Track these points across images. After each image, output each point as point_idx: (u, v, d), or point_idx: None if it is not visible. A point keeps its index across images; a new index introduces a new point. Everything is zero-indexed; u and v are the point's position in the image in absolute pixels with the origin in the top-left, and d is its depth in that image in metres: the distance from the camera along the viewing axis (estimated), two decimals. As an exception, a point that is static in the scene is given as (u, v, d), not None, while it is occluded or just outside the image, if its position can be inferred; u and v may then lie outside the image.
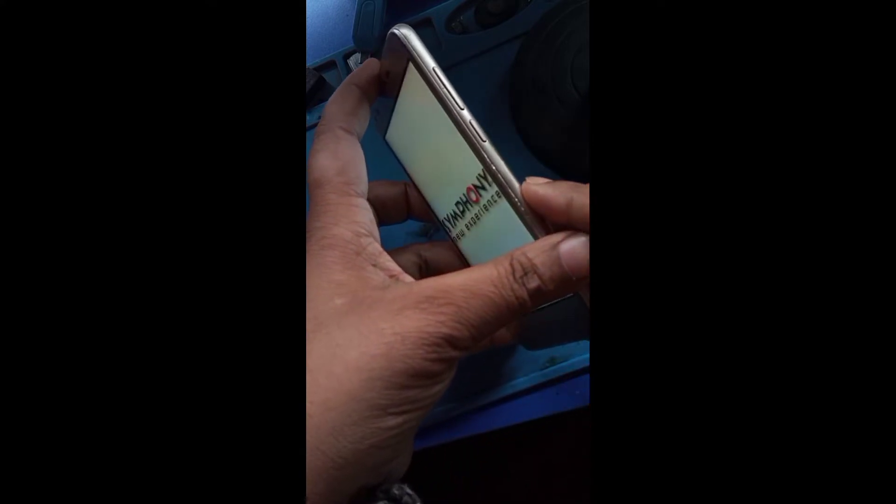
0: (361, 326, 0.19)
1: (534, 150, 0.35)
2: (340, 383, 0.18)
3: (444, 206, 0.25)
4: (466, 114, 0.21)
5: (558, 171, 0.34)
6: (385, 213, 0.27)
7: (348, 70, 0.42)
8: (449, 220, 0.25)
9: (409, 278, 0.21)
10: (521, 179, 0.22)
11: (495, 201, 0.22)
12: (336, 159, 0.22)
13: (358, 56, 0.41)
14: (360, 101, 0.23)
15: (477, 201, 0.23)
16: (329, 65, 0.42)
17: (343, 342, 0.19)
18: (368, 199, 0.25)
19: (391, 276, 0.21)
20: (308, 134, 0.41)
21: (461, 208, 0.24)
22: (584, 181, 0.32)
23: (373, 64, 0.24)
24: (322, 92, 0.42)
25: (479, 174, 0.22)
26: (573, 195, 0.20)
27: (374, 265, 0.21)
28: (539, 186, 0.21)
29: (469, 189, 0.23)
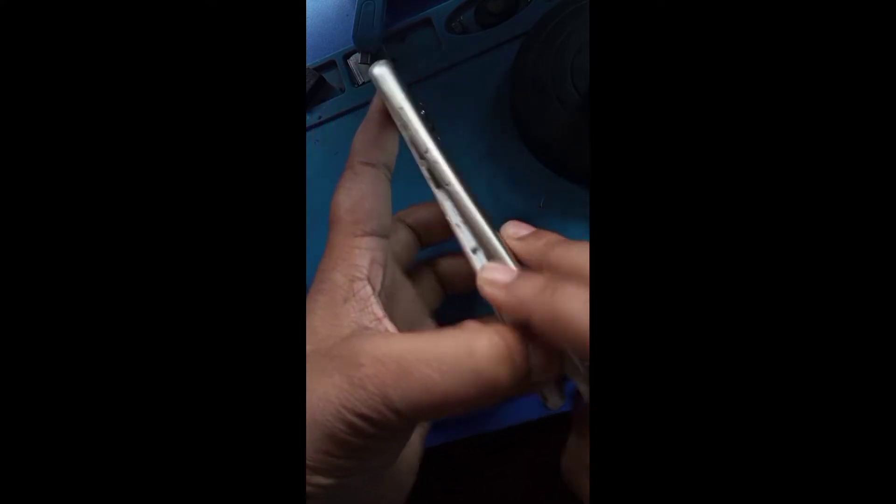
0: (308, 380, 0.18)
1: (534, 151, 0.35)
2: None
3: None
4: (434, 156, 0.21)
5: (558, 172, 0.34)
6: (428, 235, 0.27)
7: (348, 70, 0.42)
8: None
9: (389, 325, 0.20)
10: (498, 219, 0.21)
11: (475, 253, 0.22)
12: (349, 196, 0.22)
13: (358, 56, 0.41)
14: (382, 129, 0.23)
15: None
16: (329, 65, 0.42)
17: None
18: (409, 224, 0.26)
19: (375, 320, 0.20)
20: (308, 134, 0.41)
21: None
22: (584, 181, 0.32)
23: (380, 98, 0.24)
24: (322, 92, 0.42)
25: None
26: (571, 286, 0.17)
27: (362, 310, 0.20)
28: (498, 274, 0.19)
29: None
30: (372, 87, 0.41)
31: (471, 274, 0.25)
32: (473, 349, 0.18)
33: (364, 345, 0.19)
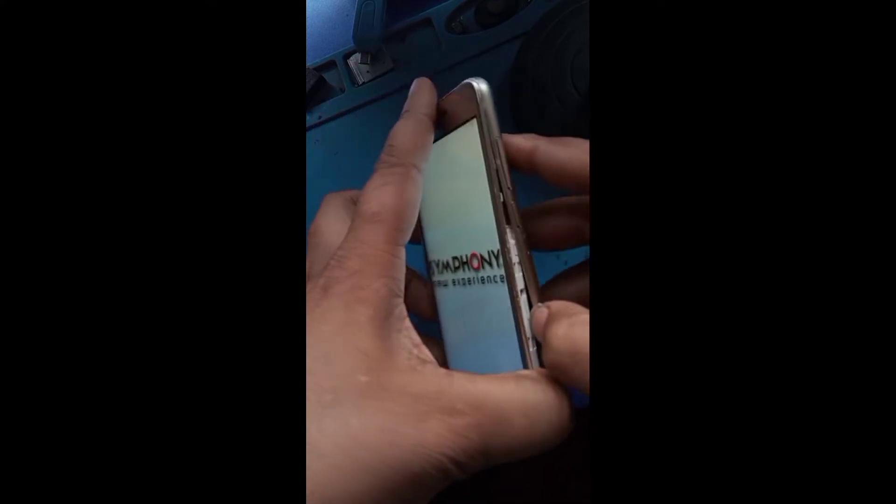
0: (381, 419, 0.17)
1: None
2: (349, 483, 0.17)
3: (437, 250, 0.24)
4: (509, 197, 0.21)
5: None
6: None
7: (348, 70, 0.42)
8: (436, 264, 0.24)
9: (427, 353, 0.20)
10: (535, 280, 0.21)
11: (495, 282, 0.21)
12: (400, 200, 0.20)
13: (358, 56, 0.41)
14: (430, 135, 0.22)
15: (477, 269, 0.22)
16: (329, 65, 0.42)
17: (359, 433, 0.17)
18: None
19: (415, 346, 0.20)
20: (308, 134, 0.41)
21: (456, 263, 0.23)
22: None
23: (432, 90, 0.23)
24: (322, 92, 0.42)
25: (493, 251, 0.21)
26: (539, 143, 0.21)
27: (400, 331, 0.19)
28: (510, 136, 0.21)
29: (473, 255, 0.22)
30: (373, 86, 0.41)
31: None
32: (563, 403, 0.19)
33: (452, 388, 0.18)
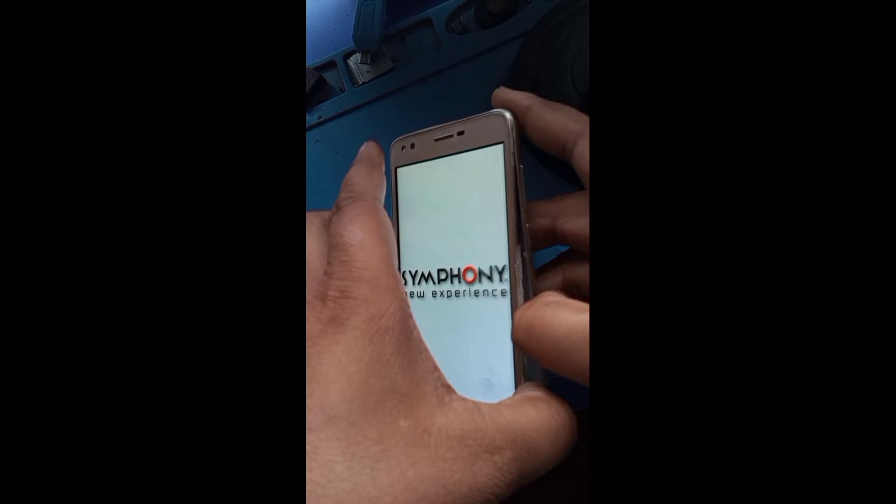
0: (436, 469, 0.17)
1: (533, 151, 0.35)
2: None
3: (417, 260, 0.24)
4: (524, 221, 0.22)
5: (557, 171, 0.34)
6: None
7: (348, 70, 0.42)
8: (410, 273, 0.24)
9: (445, 377, 0.20)
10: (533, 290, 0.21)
11: (493, 296, 0.22)
12: (380, 226, 0.21)
13: (358, 56, 0.41)
14: (383, 176, 0.24)
15: (471, 282, 0.22)
16: (329, 65, 0.42)
17: (417, 485, 0.17)
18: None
19: (435, 370, 0.20)
20: (308, 134, 0.41)
21: (442, 275, 0.23)
22: (583, 183, 0.32)
23: (379, 145, 0.25)
24: (322, 92, 0.42)
25: (496, 267, 0.21)
26: (534, 102, 0.23)
27: (421, 353, 0.19)
28: (507, 91, 0.24)
29: (468, 268, 0.22)
30: (373, 86, 0.41)
31: None
32: (572, 416, 0.20)
33: (486, 424, 0.18)
